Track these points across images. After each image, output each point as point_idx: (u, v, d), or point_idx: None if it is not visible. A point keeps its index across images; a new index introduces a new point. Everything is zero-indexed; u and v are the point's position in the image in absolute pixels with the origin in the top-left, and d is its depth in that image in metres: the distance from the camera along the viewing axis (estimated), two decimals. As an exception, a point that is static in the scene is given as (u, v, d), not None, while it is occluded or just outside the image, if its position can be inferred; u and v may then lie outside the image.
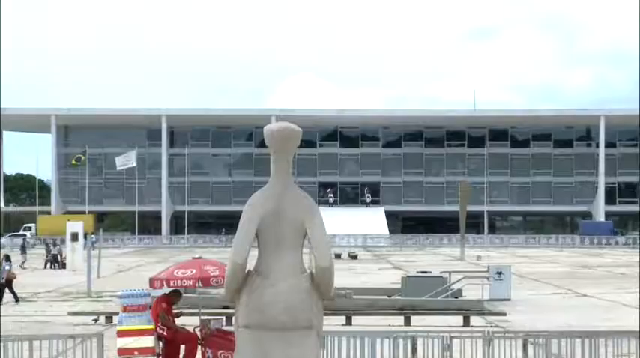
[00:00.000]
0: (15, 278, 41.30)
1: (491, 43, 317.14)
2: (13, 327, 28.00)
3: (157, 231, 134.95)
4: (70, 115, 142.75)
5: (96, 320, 29.20)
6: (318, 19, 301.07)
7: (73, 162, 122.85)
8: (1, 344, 15.74)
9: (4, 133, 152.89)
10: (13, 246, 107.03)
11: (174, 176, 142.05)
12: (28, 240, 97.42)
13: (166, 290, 19.11)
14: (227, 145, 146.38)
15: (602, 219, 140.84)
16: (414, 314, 29.49)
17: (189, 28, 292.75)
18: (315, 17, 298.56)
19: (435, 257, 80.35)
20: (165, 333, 18.49)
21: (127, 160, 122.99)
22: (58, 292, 44.29)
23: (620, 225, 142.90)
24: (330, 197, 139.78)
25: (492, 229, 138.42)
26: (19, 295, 41.61)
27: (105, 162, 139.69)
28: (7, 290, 39.60)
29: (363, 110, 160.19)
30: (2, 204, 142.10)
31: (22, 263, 68.55)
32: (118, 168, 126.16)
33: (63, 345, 16.30)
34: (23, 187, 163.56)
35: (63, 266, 64.85)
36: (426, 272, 41.47)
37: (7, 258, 43.24)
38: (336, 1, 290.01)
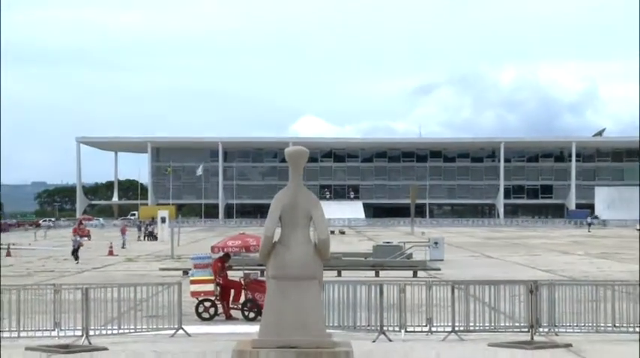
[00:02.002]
0: (82, 246, 41.19)
1: (430, 95, 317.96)
2: (123, 277, 27.98)
3: (215, 216, 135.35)
4: (160, 141, 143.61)
5: (184, 273, 29.03)
6: (318, 82, 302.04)
7: (168, 171, 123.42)
8: (115, 288, 15.72)
9: (128, 155, 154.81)
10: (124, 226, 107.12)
11: (227, 180, 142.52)
12: (137, 222, 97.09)
13: (221, 254, 19.11)
14: (261, 161, 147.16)
15: (501, 208, 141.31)
16: (381, 270, 29.45)
17: (238, 81, 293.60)
18: (316, 80, 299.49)
19: (394, 232, 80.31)
20: (221, 282, 18.46)
21: (198, 171, 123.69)
22: (153, 255, 44.30)
23: (513, 212, 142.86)
24: (327, 194, 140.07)
25: (432, 214, 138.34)
26: (128, 257, 41.56)
27: (183, 171, 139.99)
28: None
29: (348, 138, 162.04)
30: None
31: (138, 237, 68.76)
32: (197, 174, 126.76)
33: (155, 289, 16.27)
34: (130, 188, 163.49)
35: (155, 238, 64.94)
36: (389, 242, 41.37)
37: (76, 232, 43.10)
38: (329, 67, 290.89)
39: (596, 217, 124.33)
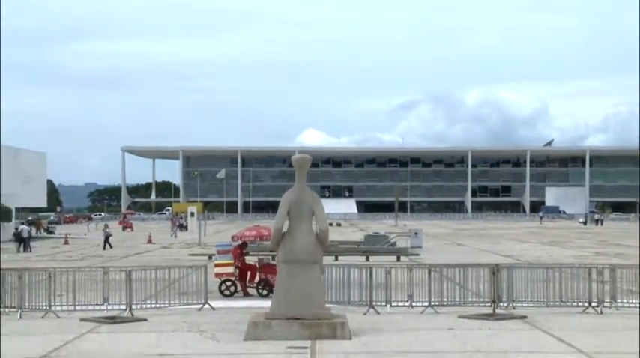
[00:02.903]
0: (112, 235, 40.37)
1: (410, 111, 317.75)
2: (159, 261, 27.94)
3: (235, 211, 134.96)
4: (189, 150, 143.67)
5: (209, 258, 28.82)
6: (319, 101, 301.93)
7: (195, 174, 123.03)
8: (153, 270, 15.72)
9: (164, 161, 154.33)
10: (159, 220, 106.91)
11: (244, 182, 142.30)
12: (170, 216, 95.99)
13: (239, 242, 19.08)
14: (273, 166, 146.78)
15: (469, 205, 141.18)
16: (371, 255, 29.32)
17: (253, 100, 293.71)
18: (317, 100, 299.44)
19: (382, 225, 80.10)
20: (239, 265, 18.44)
21: (220, 174, 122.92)
22: (183, 243, 44.22)
23: (479, 208, 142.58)
24: (327, 193, 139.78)
25: (412, 210, 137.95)
26: (164, 245, 41.45)
27: (208, 174, 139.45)
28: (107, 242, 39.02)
29: (343, 147, 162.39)
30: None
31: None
32: (217, 176, 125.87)
33: (185, 271, 16.28)
34: (165, 188, 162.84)
35: (186, 229, 64.64)
36: (377, 232, 41.33)
37: (106, 226, 42.66)
38: (328, 89, 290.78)
39: (564, 212, 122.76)
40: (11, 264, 23.05)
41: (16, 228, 41.46)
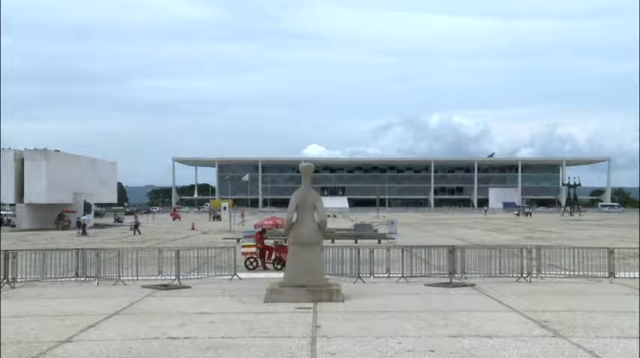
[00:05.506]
0: (140, 224, 39.02)
1: (388, 131, 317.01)
2: (200, 243, 27.87)
3: (256, 205, 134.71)
4: (222, 160, 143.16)
5: (238, 241, 28.68)
6: (320, 123, 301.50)
7: (241, 179, 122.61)
8: (195, 250, 15.69)
9: (203, 168, 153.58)
10: (201, 212, 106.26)
11: (264, 184, 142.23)
12: (208, 210, 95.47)
13: (260, 229, 19.03)
14: (285, 172, 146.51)
15: (432, 201, 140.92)
16: (358, 239, 29.17)
17: (270, 123, 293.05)
18: (319, 122, 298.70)
19: (367, 216, 79.93)
20: (260, 246, 18.40)
21: (245, 178, 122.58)
22: (218, 230, 44.04)
23: (439, 203, 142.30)
24: (325, 192, 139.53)
25: (389, 205, 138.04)
26: (203, 231, 41.20)
27: (237, 178, 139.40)
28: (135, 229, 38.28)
29: (337, 158, 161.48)
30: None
31: (209, 218, 67.93)
32: (242, 180, 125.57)
33: (220, 251, 16.25)
34: (205, 189, 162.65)
35: (220, 219, 64.34)
36: (363, 222, 41.14)
37: (136, 217, 41.77)
38: (327, 114, 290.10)
39: (518, 206, 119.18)
40: (90, 245, 23.03)
41: (79, 218, 40.98)
